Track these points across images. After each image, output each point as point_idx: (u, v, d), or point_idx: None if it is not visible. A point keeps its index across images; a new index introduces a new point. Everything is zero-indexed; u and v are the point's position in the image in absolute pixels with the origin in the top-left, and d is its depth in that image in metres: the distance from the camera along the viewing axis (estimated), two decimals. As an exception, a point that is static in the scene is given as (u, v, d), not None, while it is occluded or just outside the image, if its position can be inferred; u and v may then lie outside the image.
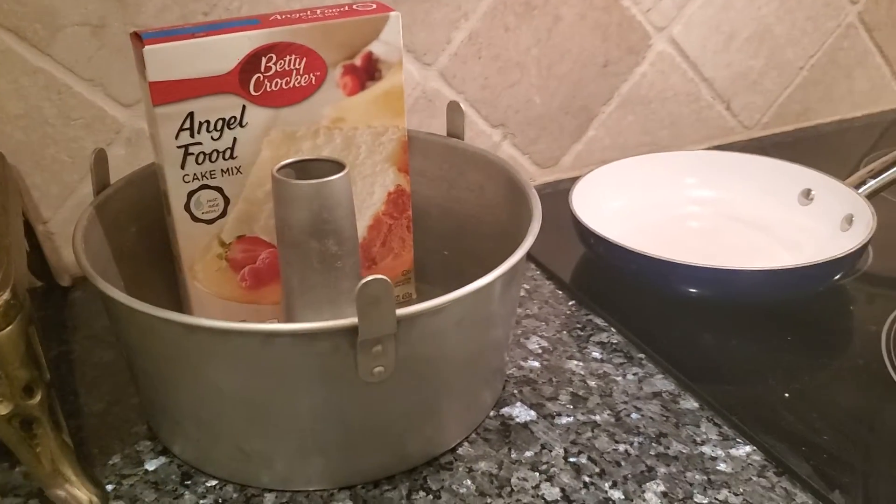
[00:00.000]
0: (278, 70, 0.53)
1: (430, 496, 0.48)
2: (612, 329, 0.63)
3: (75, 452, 0.48)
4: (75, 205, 0.69)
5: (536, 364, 0.59)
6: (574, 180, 0.72)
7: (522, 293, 0.67)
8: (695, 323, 0.63)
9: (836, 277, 0.64)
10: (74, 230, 0.51)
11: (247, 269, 0.58)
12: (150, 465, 0.51)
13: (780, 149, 0.94)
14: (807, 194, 0.74)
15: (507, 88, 0.81)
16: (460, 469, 0.50)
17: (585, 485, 0.49)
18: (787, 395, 0.55)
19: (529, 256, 0.72)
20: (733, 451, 0.51)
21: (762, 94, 0.95)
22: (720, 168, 0.75)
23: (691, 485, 0.48)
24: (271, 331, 0.42)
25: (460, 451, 0.51)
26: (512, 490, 0.48)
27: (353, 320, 0.41)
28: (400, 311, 0.42)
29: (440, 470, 0.50)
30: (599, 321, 0.64)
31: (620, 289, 0.67)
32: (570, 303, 0.66)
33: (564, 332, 0.63)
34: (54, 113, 0.65)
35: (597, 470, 0.50)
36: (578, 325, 0.63)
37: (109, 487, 0.49)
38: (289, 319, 0.53)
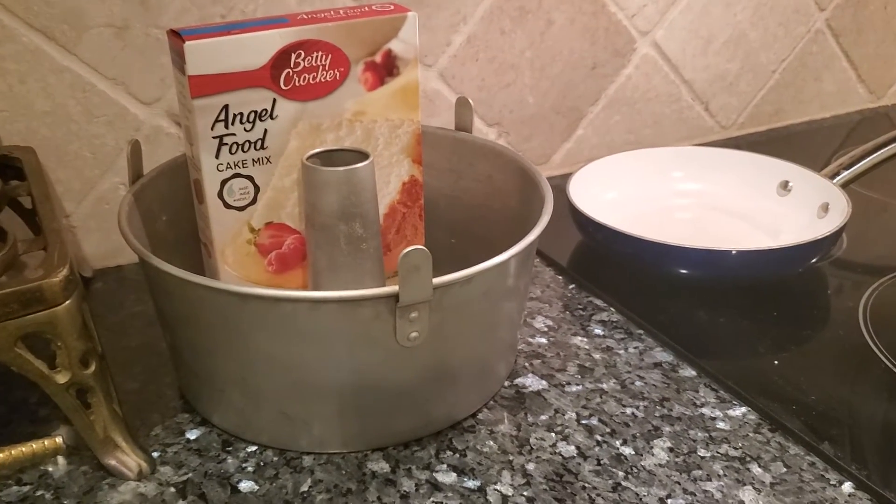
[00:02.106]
0: (306, 66, 0.57)
1: (457, 455, 0.52)
2: (612, 309, 0.68)
3: (127, 423, 0.52)
4: (96, 199, 0.72)
5: (544, 340, 0.63)
6: (567, 176, 0.77)
7: (526, 278, 0.72)
8: (687, 301, 0.68)
9: (815, 260, 0.70)
10: (119, 214, 0.54)
11: (273, 254, 0.61)
12: (191, 435, 0.54)
13: (755, 147, 0.99)
14: (785, 185, 0.79)
15: (503, 89, 0.85)
16: (482, 431, 0.54)
17: (598, 443, 0.53)
18: (776, 362, 0.60)
19: (529, 245, 0.77)
20: (730, 412, 0.56)
21: (738, 95, 1.00)
22: (705, 163, 0.81)
23: (694, 441, 0.53)
24: (319, 297, 0.46)
25: (480, 416, 0.55)
26: (532, 448, 0.52)
27: (395, 288, 0.45)
28: (436, 280, 0.46)
29: (464, 432, 0.54)
30: (599, 302, 0.68)
31: (616, 272, 0.71)
32: (571, 286, 0.71)
33: (567, 312, 0.67)
34: (79, 110, 0.68)
35: (608, 430, 0.54)
36: (580, 306, 0.68)
37: (155, 455, 0.52)
38: (316, 299, 0.57)
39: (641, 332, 0.64)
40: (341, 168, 0.54)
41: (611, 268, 0.72)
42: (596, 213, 0.71)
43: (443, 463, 0.51)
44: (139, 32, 0.68)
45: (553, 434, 0.54)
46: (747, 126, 1.04)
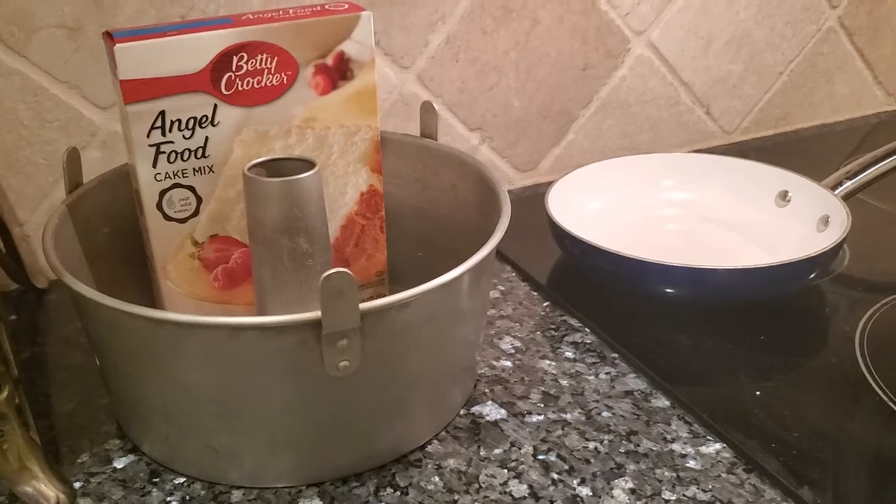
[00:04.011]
0: (249, 69, 0.53)
1: (398, 493, 0.48)
2: (587, 329, 0.63)
3: (44, 451, 0.48)
4: (50, 207, 0.69)
5: (509, 364, 0.59)
6: (552, 183, 0.72)
7: (497, 295, 0.68)
8: (670, 323, 0.63)
9: (811, 277, 0.65)
10: (45, 228, 0.51)
11: (220, 269, 0.58)
12: (119, 464, 0.51)
13: (761, 153, 0.94)
14: (783, 196, 0.74)
15: (485, 92, 0.81)
16: (429, 466, 0.50)
17: (554, 482, 0.49)
18: (758, 393, 0.55)
19: (505, 259, 0.73)
20: (703, 449, 0.51)
21: (742, 98, 0.95)
22: (697, 170, 0.76)
23: (660, 481, 0.48)
24: (238, 324, 0.42)
25: (429, 448, 0.51)
26: (480, 487, 0.48)
27: (318, 314, 0.41)
28: (364, 305, 0.42)
29: (409, 467, 0.50)
30: (574, 322, 0.64)
31: (596, 290, 0.67)
32: (545, 304, 0.67)
33: (538, 332, 0.63)
34: (30, 115, 0.65)
35: (566, 467, 0.50)
36: (552, 326, 0.64)
37: (77, 485, 0.49)
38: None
39: (616, 356, 0.60)
40: (282, 179, 0.50)
41: (590, 285, 0.67)
42: (577, 224, 0.67)
43: (381, 502, 0.47)
44: (93, 34, 0.65)
45: (506, 471, 0.49)
46: (752, 131, 0.98)
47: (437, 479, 0.49)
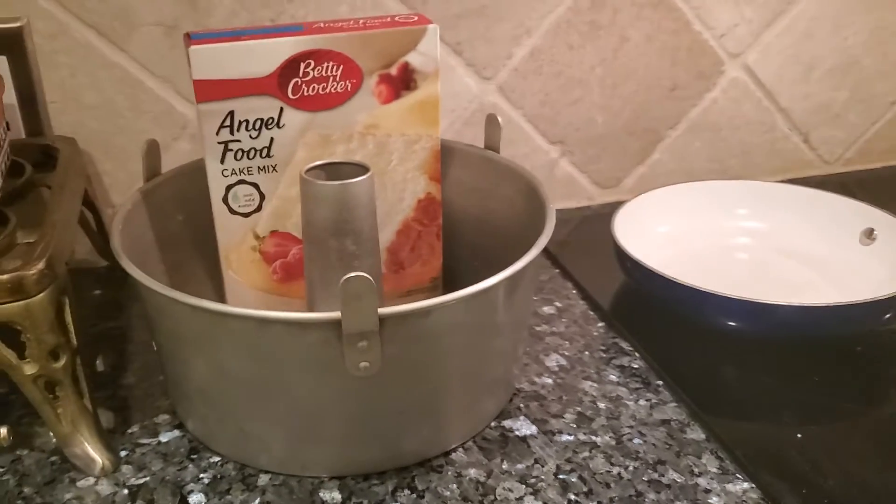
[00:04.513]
0: (316, 76, 0.56)
1: (415, 495, 0.49)
2: (636, 354, 0.62)
3: (97, 418, 0.52)
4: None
5: (549, 381, 0.59)
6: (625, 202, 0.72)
7: (552, 311, 0.68)
8: (722, 355, 0.61)
9: (886, 318, 0.61)
10: (117, 212, 0.55)
11: (278, 263, 0.61)
12: (164, 437, 0.54)
13: (863, 187, 0.90)
14: (869, 234, 0.71)
15: (568, 106, 0.81)
16: (449, 473, 0.51)
17: (570, 502, 0.49)
18: (799, 435, 0.53)
19: (568, 276, 0.73)
20: (729, 486, 0.50)
21: (845, 128, 0.91)
22: (775, 200, 0.73)
23: (678, 515, 0.48)
24: (264, 317, 0.45)
25: (453, 455, 0.52)
26: (495, 499, 0.49)
27: (338, 314, 0.43)
28: (383, 310, 0.44)
29: (430, 472, 0.51)
30: (625, 345, 0.63)
31: (655, 316, 0.66)
32: (600, 325, 0.66)
33: (587, 352, 0.62)
34: (126, 106, 0.70)
35: (584, 489, 0.50)
36: (602, 347, 0.63)
37: (123, 453, 0.53)
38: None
39: (660, 383, 0.59)
40: (333, 182, 0.52)
41: (650, 311, 0.66)
42: (643, 247, 0.66)
43: (396, 502, 0.49)
44: (190, 32, 0.69)
45: (524, 486, 0.50)
46: (856, 162, 0.94)
47: (454, 486, 0.50)
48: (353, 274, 0.42)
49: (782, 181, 0.88)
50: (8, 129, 0.67)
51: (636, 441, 0.53)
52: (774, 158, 0.90)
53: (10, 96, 0.66)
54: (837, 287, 0.68)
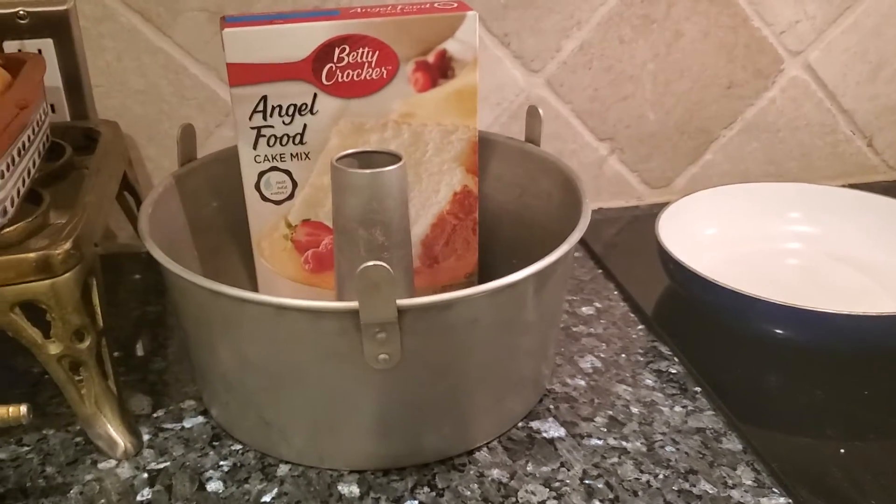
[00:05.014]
0: (350, 62, 0.55)
1: (434, 493, 0.48)
2: (675, 359, 0.60)
3: (121, 400, 0.52)
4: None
5: (582, 383, 0.57)
6: (671, 202, 0.69)
7: (591, 312, 0.66)
8: (766, 363, 0.58)
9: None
10: (147, 196, 0.55)
11: (310, 252, 0.60)
12: (188, 423, 0.54)
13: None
14: (932, 242, 0.67)
15: (619, 102, 0.79)
16: (471, 472, 0.49)
17: (594, 509, 0.47)
18: (842, 450, 0.50)
19: (610, 276, 0.70)
20: (764, 500, 0.47)
21: (913, 132, 0.87)
22: (830, 204, 0.70)
23: (707, 528, 0.45)
24: (282, 304, 0.44)
25: (477, 455, 0.51)
26: (517, 501, 0.47)
27: (356, 304, 0.42)
28: (402, 302, 0.42)
29: (451, 470, 0.50)
30: (664, 349, 0.61)
31: (698, 321, 0.63)
32: (639, 327, 0.64)
33: (623, 355, 0.60)
34: (170, 91, 0.70)
35: (611, 496, 0.48)
36: (640, 351, 0.61)
37: (146, 437, 0.52)
38: (339, 303, 0.55)
39: (698, 390, 0.56)
40: (363, 171, 0.51)
41: (693, 315, 0.64)
42: (688, 250, 0.64)
43: (415, 499, 0.47)
44: (234, 19, 0.69)
45: (547, 490, 0.48)
46: (924, 168, 0.89)
47: (475, 486, 0.48)
48: (370, 263, 0.41)
49: (844, 186, 0.85)
50: (52, 111, 0.68)
51: (668, 449, 0.51)
52: (835, 162, 0.86)
53: (56, 79, 0.66)
54: (894, 296, 0.64)
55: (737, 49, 0.78)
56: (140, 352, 0.61)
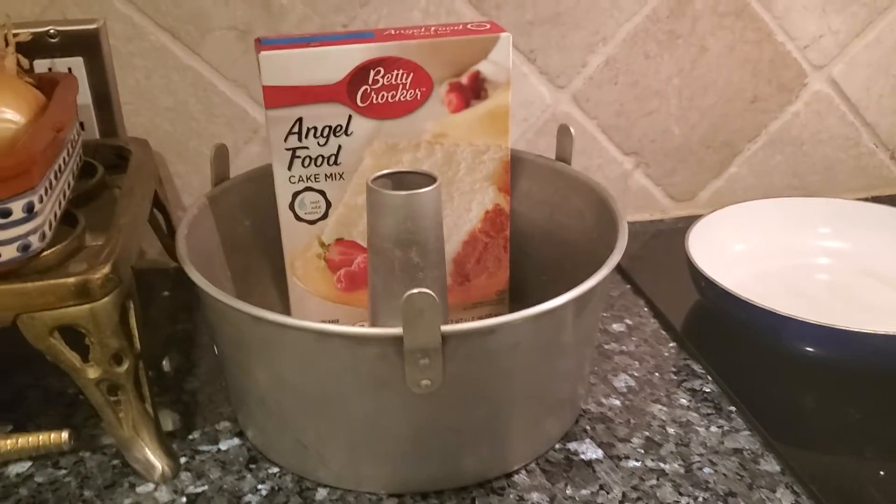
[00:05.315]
0: (385, 83, 0.55)
1: (474, 518, 0.48)
2: (709, 377, 0.60)
3: (158, 424, 0.52)
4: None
5: (617, 403, 0.57)
6: (699, 217, 0.69)
7: (622, 329, 0.65)
8: (800, 382, 0.58)
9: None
10: (184, 217, 0.55)
11: (343, 272, 0.60)
12: (224, 445, 0.54)
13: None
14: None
15: (644, 117, 0.79)
16: (511, 496, 0.49)
17: (635, 533, 0.47)
18: (882, 472, 0.50)
19: (639, 292, 0.70)
20: (806, 525, 0.47)
21: (937, 145, 0.87)
22: (859, 218, 0.70)
23: (750, 552, 0.45)
24: (322, 330, 0.44)
25: (516, 478, 0.51)
26: (557, 525, 0.47)
27: (399, 330, 0.42)
28: (446, 328, 0.42)
29: (490, 493, 0.49)
30: (697, 367, 0.61)
31: (729, 338, 0.63)
32: (671, 345, 0.64)
33: (657, 373, 0.60)
34: (199, 109, 0.70)
35: (651, 520, 0.48)
36: (673, 369, 0.61)
37: (182, 460, 0.52)
38: (373, 324, 0.55)
39: (733, 409, 0.56)
40: (399, 192, 0.51)
41: (724, 332, 0.64)
42: (718, 266, 0.64)
43: (455, 523, 0.47)
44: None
45: (587, 513, 0.48)
46: (948, 181, 0.89)
47: (515, 509, 0.48)
48: (415, 290, 0.41)
49: (866, 199, 0.85)
50: (82, 128, 0.68)
51: (706, 470, 0.51)
52: (859, 175, 0.86)
53: (86, 97, 0.67)
54: (927, 314, 0.64)
55: (761, 64, 0.78)
56: (172, 371, 0.61)
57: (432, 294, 0.41)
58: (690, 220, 0.81)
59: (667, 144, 0.81)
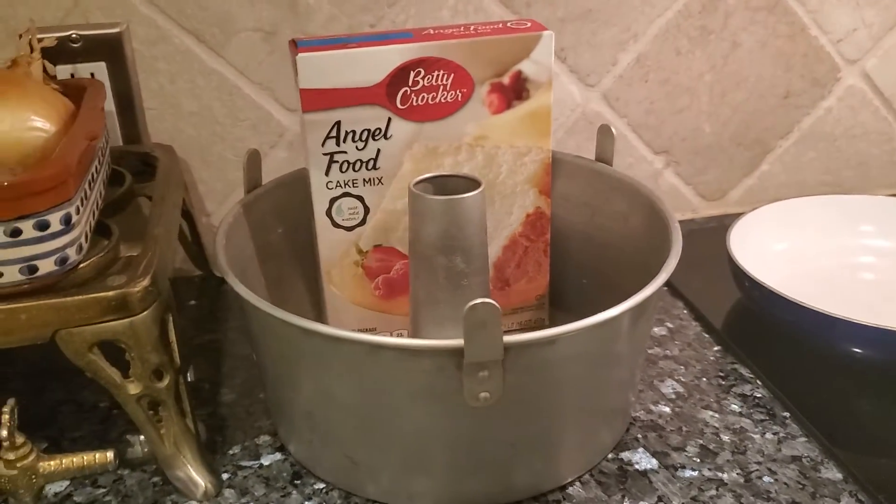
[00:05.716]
0: (426, 85, 0.53)
1: (531, 533, 0.46)
2: (758, 382, 0.58)
3: (199, 440, 0.50)
4: (237, 201, 0.72)
5: (667, 410, 0.56)
6: (741, 216, 0.67)
7: (664, 332, 0.64)
8: (854, 385, 0.57)
9: None
10: (219, 225, 0.53)
11: (381, 279, 0.58)
12: (266, 461, 0.52)
13: None
14: None
15: (675, 114, 0.77)
16: (567, 509, 0.48)
17: (699, 546, 0.45)
18: (949, 479, 0.49)
19: (678, 294, 0.69)
20: (875, 535, 0.46)
21: (970, 138, 0.85)
22: (902, 216, 0.68)
23: (820, 565, 0.44)
24: (378, 342, 0.42)
25: (570, 490, 0.49)
26: (618, 540, 0.46)
27: (460, 342, 0.41)
28: (508, 339, 0.41)
29: (545, 507, 0.48)
30: (745, 371, 0.59)
31: (775, 339, 0.61)
32: (716, 348, 0.62)
33: (704, 378, 0.59)
34: (224, 113, 0.69)
35: (714, 532, 0.46)
36: (721, 374, 0.59)
37: (225, 476, 0.51)
38: (414, 332, 0.53)
39: (787, 415, 0.55)
40: (442, 197, 0.49)
41: (769, 333, 0.62)
42: (761, 265, 0.62)
43: (512, 539, 0.46)
44: (287, 38, 0.67)
45: (648, 526, 0.47)
46: (981, 176, 0.88)
47: (572, 523, 0.47)
48: (478, 301, 0.39)
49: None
50: (108, 136, 0.66)
51: (766, 479, 0.50)
52: (892, 171, 0.85)
53: (109, 102, 0.65)
54: (976, 313, 0.63)
55: (794, 58, 0.77)
56: (203, 383, 0.60)
57: (496, 305, 0.39)
58: (721, 220, 0.80)
59: (697, 142, 0.79)
